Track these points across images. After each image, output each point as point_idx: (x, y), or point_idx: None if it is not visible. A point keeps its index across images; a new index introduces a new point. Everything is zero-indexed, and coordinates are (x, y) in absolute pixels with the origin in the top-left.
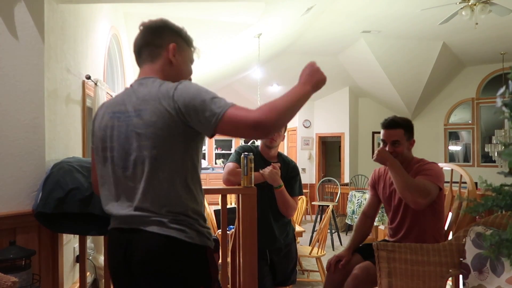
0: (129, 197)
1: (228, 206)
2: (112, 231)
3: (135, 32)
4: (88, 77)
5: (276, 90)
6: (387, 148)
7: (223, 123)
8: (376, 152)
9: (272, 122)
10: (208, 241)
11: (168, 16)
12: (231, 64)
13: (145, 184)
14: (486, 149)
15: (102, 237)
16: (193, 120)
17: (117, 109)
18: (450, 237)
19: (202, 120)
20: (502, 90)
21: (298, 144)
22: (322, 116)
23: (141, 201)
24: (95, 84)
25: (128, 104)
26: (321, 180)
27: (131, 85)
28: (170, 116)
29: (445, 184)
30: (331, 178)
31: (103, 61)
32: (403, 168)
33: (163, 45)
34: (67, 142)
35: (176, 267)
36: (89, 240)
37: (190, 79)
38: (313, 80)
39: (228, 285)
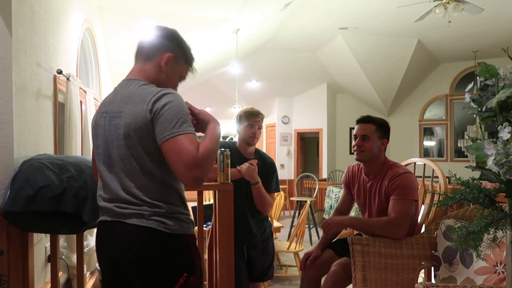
0: (112, 191)
1: (206, 202)
2: (99, 223)
3: (110, 26)
4: (60, 72)
5: (255, 86)
6: (356, 142)
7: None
8: (326, 223)
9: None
10: (188, 229)
11: (144, 10)
12: (209, 59)
13: (124, 180)
14: (459, 144)
15: (75, 236)
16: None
17: (104, 109)
18: (422, 230)
19: (157, 132)
20: (470, 86)
21: (277, 140)
22: (301, 112)
23: (121, 196)
24: (67, 79)
25: (112, 104)
26: (300, 176)
27: (118, 85)
28: (144, 118)
29: (418, 179)
30: (309, 174)
31: (76, 55)
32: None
33: (162, 51)
34: (37, 139)
35: (158, 258)
36: (62, 239)
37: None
38: (209, 116)
39: (204, 282)
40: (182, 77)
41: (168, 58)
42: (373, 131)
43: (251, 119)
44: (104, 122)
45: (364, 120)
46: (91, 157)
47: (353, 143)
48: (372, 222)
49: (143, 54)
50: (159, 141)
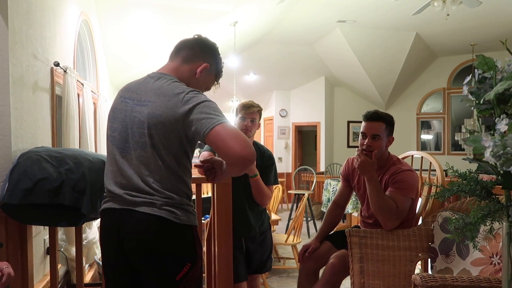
0: (123, 177)
1: (204, 195)
2: (105, 211)
3: (106, 18)
4: (57, 64)
5: (253, 79)
6: (366, 141)
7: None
8: (359, 159)
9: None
10: (194, 220)
11: (141, 3)
12: None
13: (139, 167)
14: (456, 138)
15: (74, 228)
16: (190, 125)
17: (128, 95)
18: (419, 222)
19: (197, 128)
20: (468, 78)
21: (275, 133)
22: (299, 106)
23: (134, 183)
24: (65, 71)
25: (140, 92)
26: (297, 169)
27: (149, 75)
28: (175, 113)
29: (416, 172)
30: (307, 167)
31: (73, 47)
32: (377, 178)
33: (200, 59)
34: (35, 131)
35: (166, 246)
36: (61, 232)
37: None
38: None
39: (203, 274)
40: (208, 88)
41: (204, 67)
42: (383, 130)
43: (243, 111)
44: (126, 107)
45: (373, 118)
46: (93, 147)
47: (360, 141)
48: (384, 197)
49: (181, 56)
50: (207, 129)
